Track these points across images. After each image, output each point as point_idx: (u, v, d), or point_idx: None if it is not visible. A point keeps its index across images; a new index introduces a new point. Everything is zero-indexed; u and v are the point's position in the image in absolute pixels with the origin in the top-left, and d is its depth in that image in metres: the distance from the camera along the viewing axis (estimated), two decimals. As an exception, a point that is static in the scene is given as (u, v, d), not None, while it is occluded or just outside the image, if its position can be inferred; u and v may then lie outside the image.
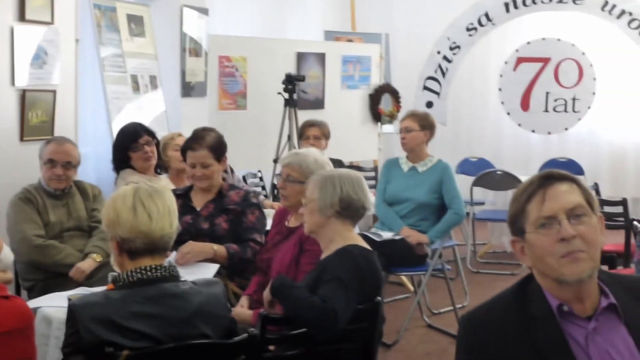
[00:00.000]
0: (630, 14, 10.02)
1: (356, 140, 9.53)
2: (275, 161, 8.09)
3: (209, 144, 4.83)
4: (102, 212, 3.01)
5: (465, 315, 2.32)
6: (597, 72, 10.58)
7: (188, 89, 7.61)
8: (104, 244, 4.94)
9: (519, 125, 10.84)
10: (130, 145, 5.58)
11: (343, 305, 3.33)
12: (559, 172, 2.31)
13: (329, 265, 3.47)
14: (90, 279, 4.74)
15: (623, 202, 6.42)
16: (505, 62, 10.84)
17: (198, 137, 4.88)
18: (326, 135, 7.09)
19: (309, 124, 7.06)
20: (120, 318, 2.81)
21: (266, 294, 3.57)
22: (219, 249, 4.56)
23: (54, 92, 5.91)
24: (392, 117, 10.04)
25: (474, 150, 10.97)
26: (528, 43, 10.76)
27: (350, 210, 3.65)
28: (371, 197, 3.79)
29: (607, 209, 6.67)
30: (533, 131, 10.84)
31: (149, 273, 2.91)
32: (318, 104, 9.21)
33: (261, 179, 8.24)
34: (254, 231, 4.76)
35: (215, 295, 3.00)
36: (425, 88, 10.94)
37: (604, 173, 10.88)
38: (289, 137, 8.11)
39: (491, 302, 2.35)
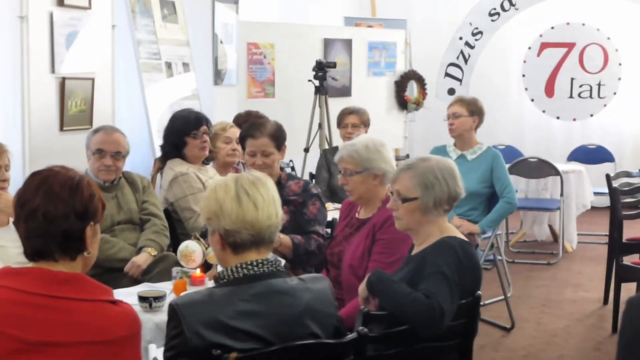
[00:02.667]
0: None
1: (383, 128, 9.32)
2: (307, 150, 7.91)
3: (270, 131, 4.65)
4: (200, 205, 2.81)
5: (634, 299, 2.13)
6: (622, 58, 10.42)
7: (220, 77, 7.40)
8: (158, 237, 4.78)
9: (543, 111, 10.69)
10: (190, 132, 5.36)
11: (448, 301, 3.14)
12: None
13: (429, 258, 3.27)
14: (146, 274, 4.54)
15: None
16: (529, 48, 10.69)
17: (259, 125, 4.71)
18: (365, 123, 6.88)
19: (348, 112, 6.85)
20: (227, 318, 2.62)
21: (362, 290, 3.36)
22: (284, 238, 4.40)
23: (93, 79, 5.71)
24: (418, 105, 9.88)
25: (497, 137, 10.76)
26: (552, 28, 10.62)
27: (454, 205, 3.45)
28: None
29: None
30: (558, 118, 10.70)
31: (255, 268, 2.72)
32: (345, 91, 9.04)
33: (293, 168, 8.04)
34: (316, 223, 4.61)
35: (323, 292, 2.82)
36: (447, 75, 10.79)
37: (628, 160, 10.70)
38: (320, 126, 7.95)
39: None
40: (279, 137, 4.70)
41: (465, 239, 3.47)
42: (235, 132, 5.81)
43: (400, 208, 3.42)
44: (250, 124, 4.93)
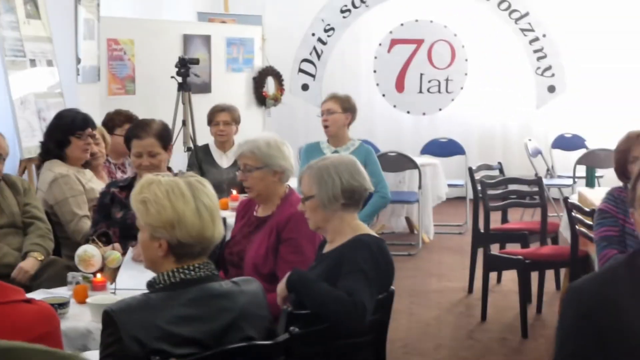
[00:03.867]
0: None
1: (243, 124, 9.33)
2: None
3: (156, 131, 4.62)
4: (149, 210, 2.68)
5: (575, 285, 2.26)
6: (468, 54, 10.84)
7: (83, 74, 7.23)
8: (43, 241, 4.67)
9: (394, 106, 10.98)
10: (75, 131, 5.23)
11: (368, 297, 3.23)
12: None
13: (346, 256, 3.35)
14: (34, 280, 4.43)
15: (538, 181, 6.59)
16: (380, 44, 10.95)
17: (144, 125, 4.68)
18: (236, 120, 6.95)
19: (219, 109, 6.88)
20: (166, 323, 2.60)
21: (281, 289, 3.41)
22: None
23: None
24: (276, 100, 9.96)
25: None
26: (402, 25, 10.90)
27: (354, 199, 3.54)
28: (367, 176, 3.68)
29: (522, 187, 6.82)
30: (408, 112, 11.01)
31: (192, 272, 2.71)
32: (205, 87, 9.03)
33: (156, 166, 7.95)
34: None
35: (257, 294, 2.84)
36: (301, 70, 10.92)
37: (474, 152, 11.09)
38: (184, 123, 7.89)
39: (600, 275, 2.35)
40: (165, 137, 4.67)
41: (376, 234, 3.59)
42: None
43: (306, 208, 3.53)
44: (135, 123, 4.90)
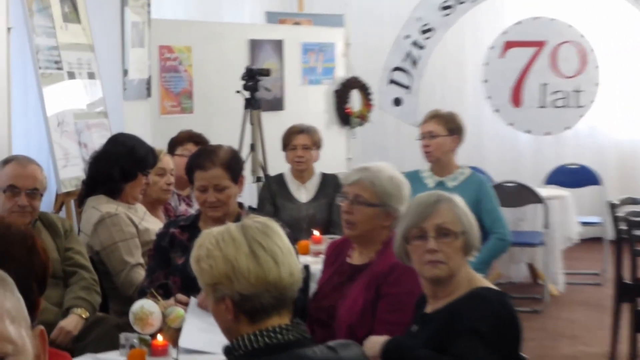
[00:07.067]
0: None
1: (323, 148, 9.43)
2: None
3: (224, 160, 4.64)
4: (203, 268, 2.77)
5: None
6: (599, 59, 10.72)
7: (131, 89, 7.36)
8: (89, 294, 4.74)
9: (510, 125, 10.89)
10: (146, 168, 5.36)
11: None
12: None
13: (458, 316, 3.33)
14: (78, 342, 4.50)
15: None
16: (491, 47, 10.87)
17: (209, 153, 4.69)
18: (317, 144, 6.97)
19: (296, 131, 6.92)
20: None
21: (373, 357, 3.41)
22: None
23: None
24: (362, 119, 9.98)
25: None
26: (518, 23, 10.82)
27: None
28: None
29: None
30: (528, 132, 10.91)
31: (279, 336, 2.72)
32: (277, 104, 9.13)
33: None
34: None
35: (357, 361, 2.84)
36: (392, 82, 10.89)
37: (613, 181, 10.93)
38: (253, 147, 7.97)
39: None
40: (234, 167, 4.68)
41: (496, 287, 3.55)
42: (169, 161, 5.81)
43: (444, 247, 3.45)
44: (197, 152, 4.93)
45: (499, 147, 11.13)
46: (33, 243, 2.50)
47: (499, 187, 8.44)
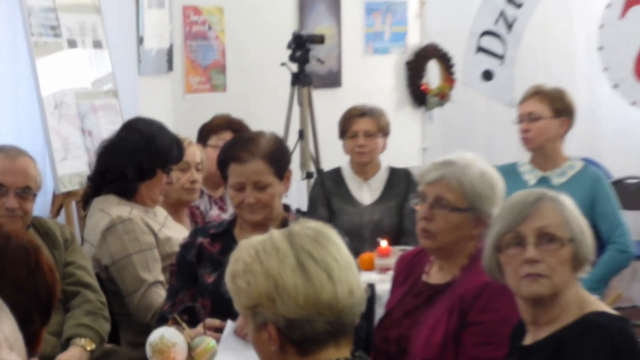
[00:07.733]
0: None
1: (392, 135, 9.44)
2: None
3: (265, 151, 4.67)
4: (239, 287, 2.79)
5: None
6: None
7: (148, 61, 7.42)
8: (95, 321, 4.78)
9: (634, 104, 10.83)
10: (168, 164, 5.43)
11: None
12: None
13: (568, 348, 3.34)
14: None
15: None
16: (608, 5, 10.83)
17: (247, 142, 4.72)
18: (384, 130, 6.96)
19: (357, 114, 6.92)
20: None
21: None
22: None
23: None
24: (443, 98, 9.97)
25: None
26: (643, -26, 10.78)
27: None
28: None
29: None
30: (659, 114, 10.86)
31: (340, 373, 2.75)
32: (333, 79, 9.18)
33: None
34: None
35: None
36: (481, 50, 10.87)
37: None
38: (302, 135, 7.98)
39: None
40: (279, 159, 4.71)
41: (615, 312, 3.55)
42: (195, 152, 5.84)
43: (546, 257, 3.43)
44: (233, 140, 4.95)
45: (618, 133, 11.06)
46: (37, 260, 2.52)
47: (620, 185, 8.46)
